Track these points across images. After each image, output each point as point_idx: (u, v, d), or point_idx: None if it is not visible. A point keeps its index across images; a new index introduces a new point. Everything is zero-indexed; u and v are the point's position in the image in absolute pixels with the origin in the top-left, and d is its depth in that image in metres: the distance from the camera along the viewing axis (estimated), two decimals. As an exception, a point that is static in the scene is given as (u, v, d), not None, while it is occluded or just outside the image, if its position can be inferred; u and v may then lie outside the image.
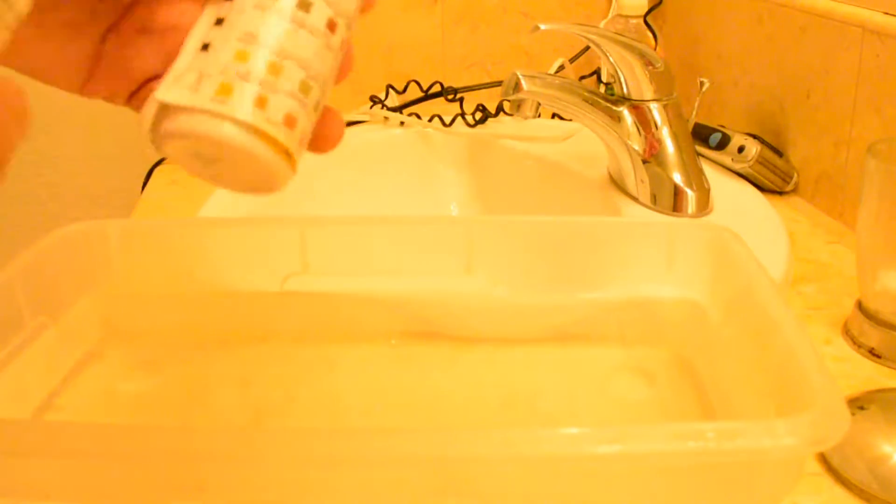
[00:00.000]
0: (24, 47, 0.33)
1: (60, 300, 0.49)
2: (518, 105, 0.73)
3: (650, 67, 0.70)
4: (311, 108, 0.32)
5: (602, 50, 0.70)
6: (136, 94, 0.35)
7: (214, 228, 0.53)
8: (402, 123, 0.91)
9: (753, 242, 0.46)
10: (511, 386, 0.49)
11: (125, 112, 0.36)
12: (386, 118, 0.92)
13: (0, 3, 0.24)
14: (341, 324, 0.52)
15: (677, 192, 0.70)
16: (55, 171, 1.10)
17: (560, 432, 0.33)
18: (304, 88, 0.31)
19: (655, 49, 0.89)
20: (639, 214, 0.71)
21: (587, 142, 0.80)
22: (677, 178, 0.70)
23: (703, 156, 0.80)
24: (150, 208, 0.84)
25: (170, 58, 0.33)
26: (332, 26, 0.31)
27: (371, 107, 0.94)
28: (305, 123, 0.32)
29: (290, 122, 0.31)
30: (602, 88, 0.96)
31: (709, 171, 0.74)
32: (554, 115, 0.93)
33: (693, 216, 0.71)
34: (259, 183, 0.33)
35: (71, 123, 1.09)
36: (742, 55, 0.90)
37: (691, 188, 0.70)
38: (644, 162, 0.70)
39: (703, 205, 0.71)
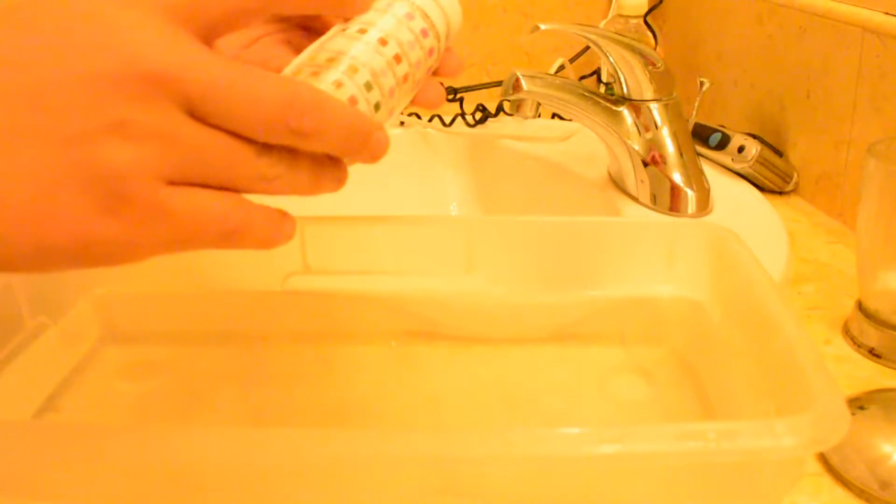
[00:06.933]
0: None
1: (60, 300, 0.49)
2: (518, 105, 0.73)
3: (650, 67, 0.70)
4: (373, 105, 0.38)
5: (602, 50, 0.70)
6: None
7: (214, 228, 0.53)
8: (402, 123, 0.91)
9: (753, 242, 0.46)
10: (511, 386, 0.49)
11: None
12: (386, 118, 0.92)
13: None
14: (341, 324, 0.52)
15: (677, 192, 0.70)
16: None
17: (560, 432, 0.33)
18: (368, 86, 0.37)
19: (655, 49, 0.89)
20: (639, 214, 0.71)
21: (587, 142, 0.80)
22: (677, 178, 0.70)
23: (703, 156, 0.80)
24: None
25: None
26: (398, 58, 0.39)
27: (371, 107, 0.94)
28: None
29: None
30: (602, 88, 0.97)
31: (709, 171, 0.74)
32: (554, 115, 0.93)
33: (693, 216, 0.71)
34: None
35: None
36: (742, 55, 0.90)
37: (691, 188, 0.70)
38: (644, 164, 0.71)
39: (703, 205, 0.71)
